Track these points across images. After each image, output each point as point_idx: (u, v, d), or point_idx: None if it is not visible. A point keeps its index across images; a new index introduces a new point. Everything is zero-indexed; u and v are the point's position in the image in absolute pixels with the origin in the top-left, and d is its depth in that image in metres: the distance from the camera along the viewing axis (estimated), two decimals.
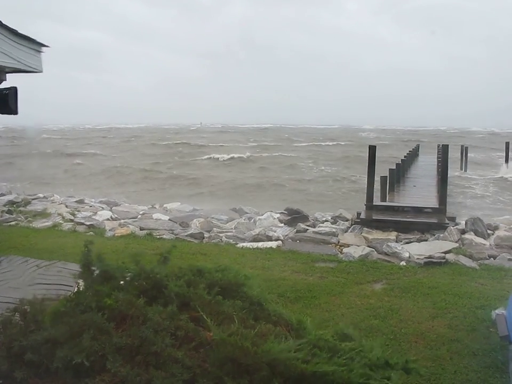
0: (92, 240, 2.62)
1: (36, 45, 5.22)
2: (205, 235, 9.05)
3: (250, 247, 8.18)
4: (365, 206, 10.74)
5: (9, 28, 4.82)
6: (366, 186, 11.26)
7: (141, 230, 9.42)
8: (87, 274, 2.43)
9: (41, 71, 5.32)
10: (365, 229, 9.38)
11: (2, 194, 12.50)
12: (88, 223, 9.73)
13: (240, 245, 8.36)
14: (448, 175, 11.63)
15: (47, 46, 5.23)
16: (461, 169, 29.04)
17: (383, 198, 12.36)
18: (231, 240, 8.66)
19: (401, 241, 8.54)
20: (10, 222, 9.83)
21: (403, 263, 7.32)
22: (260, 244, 8.29)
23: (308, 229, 9.40)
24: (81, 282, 2.45)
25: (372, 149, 11.04)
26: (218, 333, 1.88)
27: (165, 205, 12.99)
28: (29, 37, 5.08)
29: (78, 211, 11.02)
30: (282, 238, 8.78)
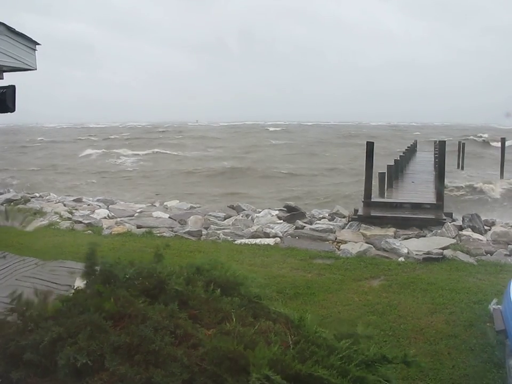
0: (95, 241, 2.61)
1: (31, 43, 5.23)
2: (202, 232, 9.05)
3: (248, 243, 8.20)
4: (362, 203, 10.75)
5: (8, 26, 4.82)
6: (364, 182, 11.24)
7: (138, 228, 9.41)
8: (89, 274, 2.42)
9: (35, 69, 5.34)
10: (363, 225, 9.39)
11: (0, 193, 12.47)
12: (86, 222, 9.73)
13: (238, 241, 8.36)
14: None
15: (39, 44, 5.25)
16: (458, 167, 28.32)
17: (381, 194, 12.38)
18: (229, 237, 8.67)
19: (399, 237, 8.56)
20: None
21: (401, 259, 7.34)
22: (258, 241, 8.30)
23: (305, 226, 9.41)
24: (77, 281, 2.44)
25: (370, 145, 11.04)
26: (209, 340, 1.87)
27: (165, 203, 13.00)
28: (25, 35, 5.09)
29: (76, 209, 11.03)
30: (280, 234, 8.79)
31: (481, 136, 49.61)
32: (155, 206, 12.52)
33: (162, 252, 2.68)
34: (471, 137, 47.11)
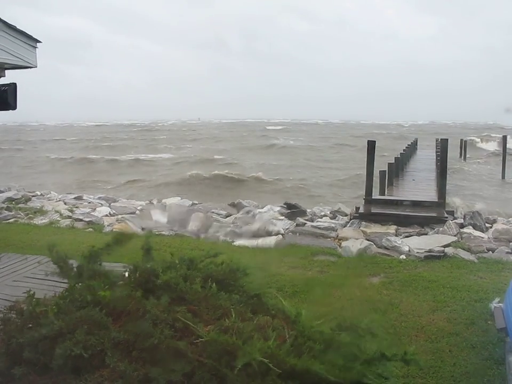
0: (92, 239, 2.61)
1: (32, 41, 5.24)
2: (203, 230, 9.04)
3: (250, 241, 8.18)
4: (363, 200, 10.73)
5: (8, 23, 4.82)
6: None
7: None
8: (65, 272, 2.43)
9: (36, 66, 5.35)
10: (364, 223, 9.37)
11: (1, 191, 12.47)
12: (87, 219, 9.74)
13: (239, 240, 8.35)
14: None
15: (40, 41, 5.26)
16: (460, 156, 30.61)
17: (382, 192, 12.36)
18: (230, 235, 8.66)
19: (400, 235, 8.54)
20: (9, 219, 9.81)
21: (402, 256, 7.33)
22: (260, 240, 8.28)
23: (306, 223, 9.40)
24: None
25: (371, 144, 11.02)
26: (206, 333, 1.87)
27: (163, 200, 12.99)
28: (26, 33, 5.10)
29: (77, 207, 11.03)
30: (283, 231, 8.77)
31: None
32: (153, 204, 12.51)
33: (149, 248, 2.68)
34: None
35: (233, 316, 2.02)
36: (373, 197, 10.84)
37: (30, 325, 2.02)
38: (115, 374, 1.77)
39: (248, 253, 7.54)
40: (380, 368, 1.92)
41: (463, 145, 30.91)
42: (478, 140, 44.83)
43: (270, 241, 8.20)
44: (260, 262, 6.85)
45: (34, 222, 9.62)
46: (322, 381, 1.76)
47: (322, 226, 9.06)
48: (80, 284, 2.29)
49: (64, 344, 1.83)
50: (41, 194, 13.03)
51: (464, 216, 9.46)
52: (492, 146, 39.23)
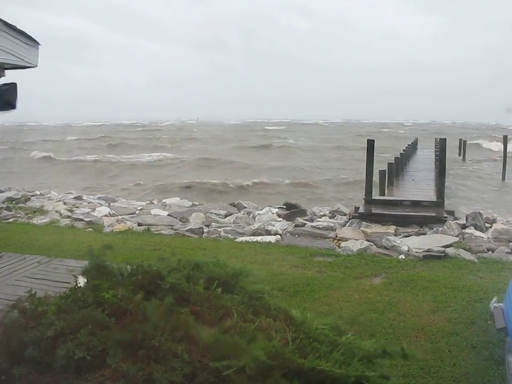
0: (96, 239, 2.62)
1: (32, 41, 5.23)
2: (204, 230, 9.05)
3: (250, 240, 8.20)
4: (363, 200, 10.73)
5: (8, 23, 4.82)
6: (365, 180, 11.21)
7: (138, 225, 9.43)
8: (92, 272, 2.43)
9: (36, 66, 5.35)
10: (363, 223, 9.37)
11: (1, 191, 12.46)
12: (87, 219, 9.74)
13: (239, 239, 8.37)
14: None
15: (39, 44, 5.26)
16: (459, 155, 31.04)
17: (382, 192, 12.35)
18: (230, 235, 8.67)
19: (399, 235, 8.54)
20: (9, 219, 9.81)
21: (402, 256, 7.32)
22: (259, 238, 8.30)
23: (305, 223, 9.40)
24: (80, 279, 2.44)
25: (370, 143, 11.01)
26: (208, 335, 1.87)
27: (163, 200, 13.00)
28: (26, 33, 5.10)
29: (77, 207, 11.04)
30: (281, 232, 8.78)
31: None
32: (153, 203, 12.53)
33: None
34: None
35: (236, 316, 2.02)
36: (373, 197, 10.84)
37: (33, 324, 2.02)
38: (117, 374, 1.77)
39: (250, 250, 7.56)
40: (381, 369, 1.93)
41: (462, 146, 31.22)
42: (487, 141, 44.72)
43: (269, 241, 8.21)
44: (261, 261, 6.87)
45: (34, 221, 9.63)
46: (327, 378, 1.77)
47: (321, 226, 9.05)
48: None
49: (67, 345, 1.84)
50: (40, 194, 13.03)
51: (466, 217, 9.44)
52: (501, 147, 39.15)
